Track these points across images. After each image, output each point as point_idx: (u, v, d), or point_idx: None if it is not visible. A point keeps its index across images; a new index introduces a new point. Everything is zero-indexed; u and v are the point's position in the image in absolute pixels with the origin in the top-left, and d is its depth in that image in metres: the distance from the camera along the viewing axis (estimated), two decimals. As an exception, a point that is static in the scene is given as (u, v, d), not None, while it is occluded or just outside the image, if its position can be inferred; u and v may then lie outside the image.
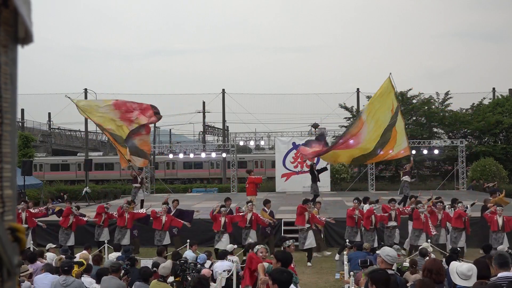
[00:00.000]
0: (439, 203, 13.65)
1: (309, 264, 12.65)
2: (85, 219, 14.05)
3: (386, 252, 5.31)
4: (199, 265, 8.28)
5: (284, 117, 74.98)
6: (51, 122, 51.79)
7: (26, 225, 13.40)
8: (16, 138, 0.96)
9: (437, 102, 33.87)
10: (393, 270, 5.33)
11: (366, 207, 13.60)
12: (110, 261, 8.78)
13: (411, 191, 17.20)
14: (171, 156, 30.61)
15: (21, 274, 7.01)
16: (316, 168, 17.03)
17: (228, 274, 9.06)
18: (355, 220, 13.19)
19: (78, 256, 9.45)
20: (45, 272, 7.60)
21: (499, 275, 4.91)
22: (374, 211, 13.28)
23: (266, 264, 6.18)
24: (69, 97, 15.05)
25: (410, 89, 33.30)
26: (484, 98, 35.87)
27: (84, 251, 10.07)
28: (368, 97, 31.95)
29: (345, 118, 34.91)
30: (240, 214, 13.47)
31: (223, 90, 39.53)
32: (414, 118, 33.03)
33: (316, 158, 16.48)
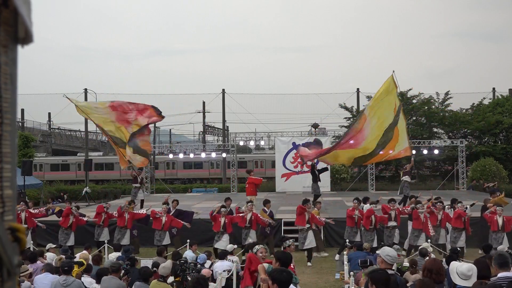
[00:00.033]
0: (438, 203, 13.66)
1: (309, 264, 12.65)
2: (85, 219, 14.05)
3: (386, 252, 5.31)
4: (199, 265, 8.28)
5: (284, 117, 75.06)
6: (51, 122, 51.80)
7: (26, 225, 13.40)
8: (16, 138, 0.96)
9: (437, 102, 33.88)
10: (393, 270, 5.33)
11: (366, 207, 13.60)
12: (110, 261, 8.78)
13: (411, 191, 17.21)
14: (171, 156, 30.61)
15: (21, 274, 7.01)
16: (317, 168, 17.03)
17: (228, 274, 9.06)
18: (354, 220, 13.19)
19: (78, 256, 9.45)
20: (45, 272, 7.60)
21: (499, 275, 4.91)
22: (375, 212, 13.29)
23: (266, 265, 6.18)
24: (67, 97, 15.05)
25: (410, 89, 33.37)
26: (484, 98, 35.92)
27: (84, 251, 10.07)
28: (368, 97, 32.00)
29: (345, 118, 34.95)
30: (240, 215, 13.47)
31: (223, 90, 39.55)
32: (414, 118, 33.02)
33: (316, 159, 16.48)
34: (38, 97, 46.22)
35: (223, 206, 13.62)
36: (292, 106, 53.82)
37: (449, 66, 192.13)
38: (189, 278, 7.30)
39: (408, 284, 6.22)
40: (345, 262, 9.48)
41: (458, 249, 11.28)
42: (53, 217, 14.50)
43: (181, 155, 29.24)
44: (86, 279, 7.62)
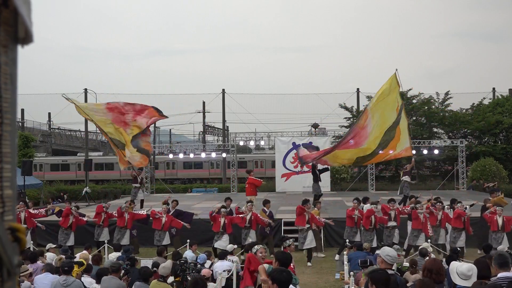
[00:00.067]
0: (438, 203, 13.65)
1: (309, 264, 12.65)
2: (85, 219, 14.05)
3: (386, 252, 5.31)
4: (199, 265, 8.29)
5: (284, 117, 75.06)
6: (51, 122, 51.80)
7: (25, 226, 13.39)
8: (16, 138, 0.96)
9: (437, 102, 33.87)
10: (393, 270, 5.33)
11: (366, 207, 13.59)
12: (110, 261, 8.78)
13: (411, 191, 17.20)
14: (171, 156, 30.60)
15: (21, 274, 7.01)
16: (318, 168, 17.03)
17: (228, 274, 9.06)
18: (354, 220, 13.18)
19: (78, 256, 9.45)
20: (45, 272, 7.60)
21: (499, 275, 4.91)
22: (375, 212, 13.28)
23: (266, 266, 6.18)
24: (66, 97, 15.03)
25: (410, 89, 33.31)
26: (484, 98, 35.91)
27: (84, 251, 10.07)
28: (368, 97, 31.99)
29: (345, 118, 34.95)
30: (240, 215, 13.46)
31: (223, 90, 39.55)
32: (414, 118, 33.00)
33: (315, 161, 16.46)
34: (38, 97, 46.24)
35: (223, 206, 13.62)
36: (292, 106, 53.93)
37: (449, 66, 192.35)
38: (189, 278, 7.30)
39: (408, 284, 6.22)
40: (345, 262, 9.48)
41: (458, 249, 11.29)
42: (53, 217, 14.50)
43: (181, 155, 29.23)
44: (86, 279, 7.62)
